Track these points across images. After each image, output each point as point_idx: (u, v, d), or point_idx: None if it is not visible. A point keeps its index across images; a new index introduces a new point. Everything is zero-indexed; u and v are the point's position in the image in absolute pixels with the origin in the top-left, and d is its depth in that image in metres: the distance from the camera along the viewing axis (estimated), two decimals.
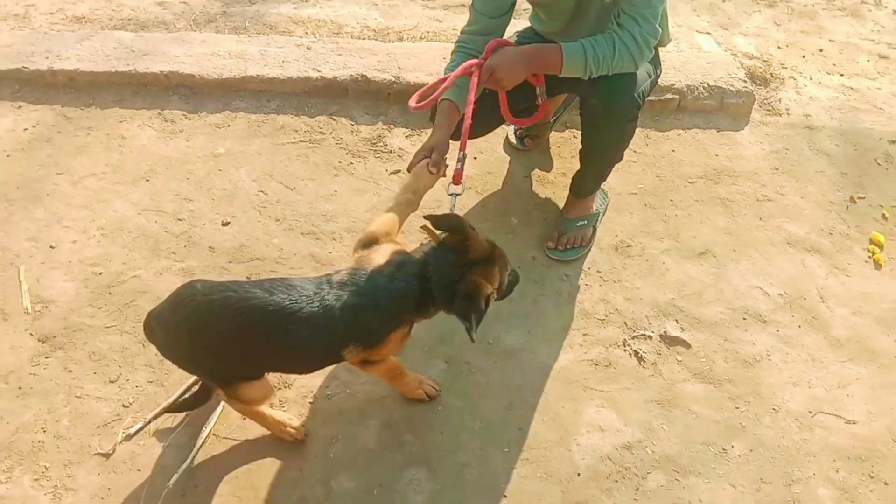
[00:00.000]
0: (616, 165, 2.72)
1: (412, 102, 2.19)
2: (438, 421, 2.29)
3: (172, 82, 3.16)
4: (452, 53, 2.40)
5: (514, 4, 2.38)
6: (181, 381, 2.31)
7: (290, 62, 3.23)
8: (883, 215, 3.08)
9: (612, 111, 2.38)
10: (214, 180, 2.90)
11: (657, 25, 2.25)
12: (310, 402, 2.31)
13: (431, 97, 2.18)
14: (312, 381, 2.35)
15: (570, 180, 2.96)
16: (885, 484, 2.29)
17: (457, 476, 2.18)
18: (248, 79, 3.16)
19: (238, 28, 3.50)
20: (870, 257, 2.94)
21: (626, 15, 2.22)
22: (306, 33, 3.52)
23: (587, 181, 2.70)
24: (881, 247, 2.96)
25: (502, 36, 2.38)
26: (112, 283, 2.56)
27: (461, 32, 2.42)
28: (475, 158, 3.07)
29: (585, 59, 2.21)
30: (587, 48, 2.21)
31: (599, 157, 2.58)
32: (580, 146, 2.63)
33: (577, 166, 2.79)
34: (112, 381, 2.32)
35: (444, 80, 2.19)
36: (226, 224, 2.77)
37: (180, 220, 2.76)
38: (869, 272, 2.89)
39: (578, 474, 2.21)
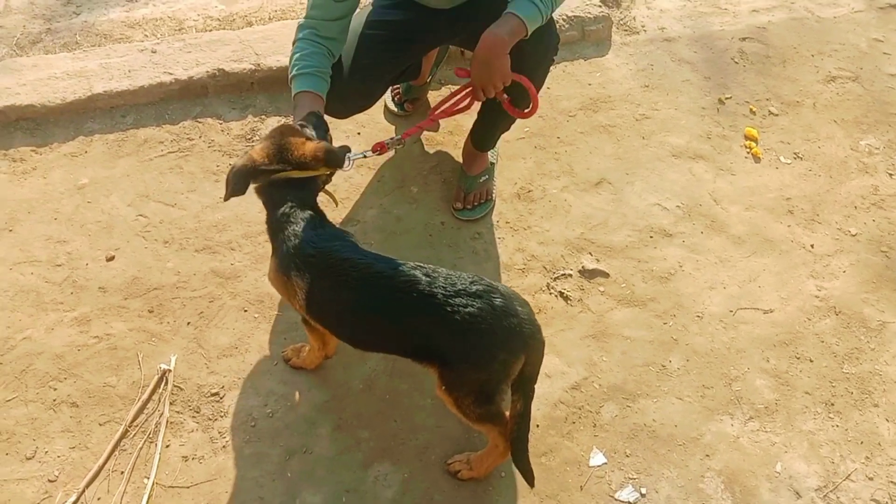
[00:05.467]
0: None
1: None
2: (389, 409, 2.24)
3: (11, 117, 2.84)
4: (297, 41, 2.19)
5: None
6: (107, 438, 2.14)
7: (137, 70, 2.97)
8: (751, 110, 3.23)
9: (541, 50, 2.32)
10: (86, 214, 2.66)
11: None
12: (252, 426, 2.19)
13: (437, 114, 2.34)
14: (249, 403, 2.24)
15: (458, 139, 2.93)
16: (811, 361, 2.45)
17: (421, 459, 2.15)
18: (95, 97, 2.88)
19: (69, 44, 3.18)
20: (748, 152, 3.09)
21: None
22: (146, 36, 3.25)
23: (496, 132, 2.67)
24: (756, 140, 3.12)
25: (350, 17, 2.26)
26: (1, 351, 2.31)
27: (306, 17, 2.22)
28: (358, 134, 2.97)
29: (536, 6, 2.09)
30: None
31: (524, 100, 2.51)
32: (490, 98, 2.54)
33: (462, 123, 2.74)
34: (29, 458, 2.11)
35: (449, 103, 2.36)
36: (110, 259, 2.55)
37: (59, 265, 2.52)
38: (750, 167, 3.04)
39: (537, 426, 2.23)
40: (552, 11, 2.15)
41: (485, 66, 2.12)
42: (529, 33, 2.11)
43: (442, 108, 2.38)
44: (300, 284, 1.91)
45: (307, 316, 2.00)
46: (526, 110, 2.34)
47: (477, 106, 2.48)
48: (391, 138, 2.27)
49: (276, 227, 1.98)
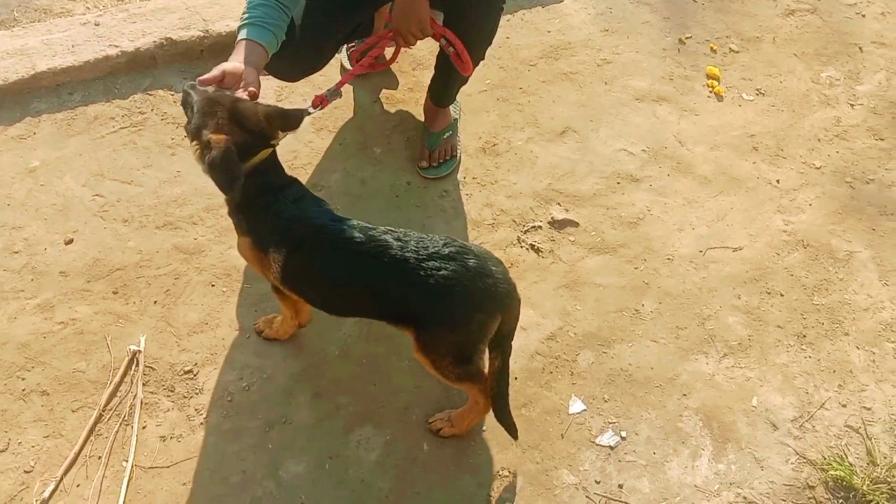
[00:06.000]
0: None
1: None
2: (367, 373, 2.23)
3: None
4: None
5: None
6: (81, 424, 2.10)
7: (81, 44, 2.85)
8: (711, 48, 3.21)
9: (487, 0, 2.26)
10: (40, 198, 2.57)
11: None
12: (228, 401, 2.17)
13: (360, 63, 2.21)
14: (224, 378, 2.21)
15: (418, 95, 2.87)
16: (782, 295, 2.47)
17: (403, 420, 2.15)
18: (39, 75, 2.77)
19: (7, 21, 3.04)
20: (710, 91, 3.07)
21: None
22: (88, 8, 3.11)
23: (454, 87, 2.60)
24: (718, 79, 3.10)
25: None
26: None
27: None
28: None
29: None
30: None
31: (475, 54, 2.42)
32: (442, 53, 2.47)
33: (422, 79, 2.68)
34: (2, 451, 2.06)
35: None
36: (69, 242, 2.48)
37: (16, 252, 2.44)
38: (713, 106, 3.03)
39: (516, 378, 2.23)
40: None
41: (401, 10, 2.10)
42: None
43: (368, 53, 2.27)
44: (277, 257, 1.89)
45: (282, 286, 1.97)
46: (462, 67, 2.29)
47: (428, 60, 2.42)
48: (328, 90, 2.17)
49: (249, 202, 1.91)
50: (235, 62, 1.95)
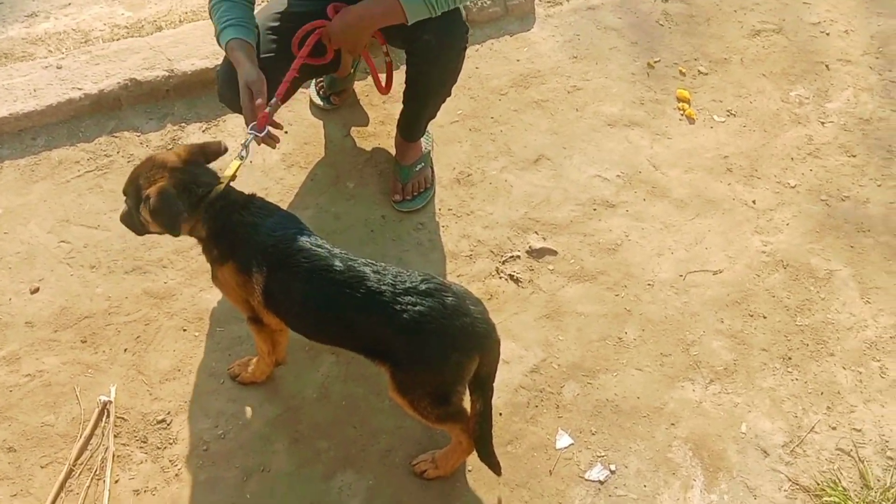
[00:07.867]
0: None
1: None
2: (347, 415, 2.17)
3: None
4: (214, 3, 2.13)
5: None
6: (51, 481, 2.01)
7: (43, 88, 2.80)
8: (680, 71, 3.22)
9: (447, 42, 2.27)
10: (3, 246, 2.49)
11: None
12: (204, 450, 2.09)
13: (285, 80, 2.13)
14: (199, 427, 2.13)
15: (390, 128, 2.84)
16: (765, 317, 2.45)
17: (385, 463, 2.08)
18: (0, 121, 2.71)
19: None
20: (682, 114, 3.07)
21: None
22: (50, 51, 3.06)
23: (421, 121, 2.58)
24: (688, 101, 3.11)
25: None
26: None
27: None
28: (286, 132, 2.84)
29: None
30: None
31: (436, 93, 2.45)
32: (407, 89, 2.48)
33: (393, 112, 2.65)
34: None
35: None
36: (35, 291, 2.40)
37: None
38: (685, 129, 3.03)
39: (500, 414, 2.18)
40: (446, 7, 2.13)
41: (343, 25, 2.14)
42: (409, 21, 2.11)
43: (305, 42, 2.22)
44: (259, 278, 1.86)
45: (265, 309, 1.92)
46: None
47: (397, 93, 2.42)
48: (268, 104, 2.07)
49: (223, 225, 1.90)
50: (246, 70, 2.02)
